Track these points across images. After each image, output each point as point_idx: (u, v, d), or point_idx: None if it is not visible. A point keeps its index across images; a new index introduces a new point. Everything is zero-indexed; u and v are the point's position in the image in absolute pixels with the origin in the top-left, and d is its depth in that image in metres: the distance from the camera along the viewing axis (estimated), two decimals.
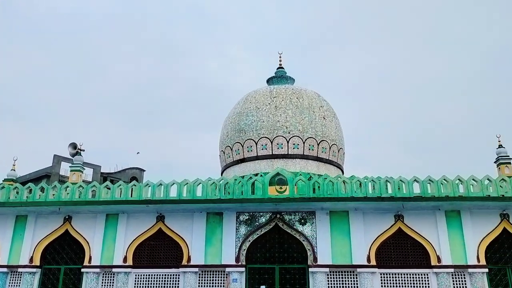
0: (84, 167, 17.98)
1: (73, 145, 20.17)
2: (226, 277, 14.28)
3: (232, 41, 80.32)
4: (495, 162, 16.41)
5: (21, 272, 15.12)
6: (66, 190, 15.33)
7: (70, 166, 17.51)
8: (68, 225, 15.42)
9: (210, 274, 14.55)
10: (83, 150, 17.92)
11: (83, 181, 16.74)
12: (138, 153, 38.72)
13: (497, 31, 67.91)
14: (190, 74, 77.86)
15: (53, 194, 15.30)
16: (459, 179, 14.16)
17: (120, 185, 15.19)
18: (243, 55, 79.33)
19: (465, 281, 13.91)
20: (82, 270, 14.95)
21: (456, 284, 13.92)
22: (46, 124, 73.17)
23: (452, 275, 13.96)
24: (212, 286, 14.44)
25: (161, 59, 79.42)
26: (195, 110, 77.23)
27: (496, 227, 14.21)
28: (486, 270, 13.86)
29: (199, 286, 14.44)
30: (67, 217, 15.47)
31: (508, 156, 16.10)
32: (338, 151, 20.10)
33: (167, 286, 14.64)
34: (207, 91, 76.99)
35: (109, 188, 15.19)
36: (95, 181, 16.02)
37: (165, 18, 79.28)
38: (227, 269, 14.30)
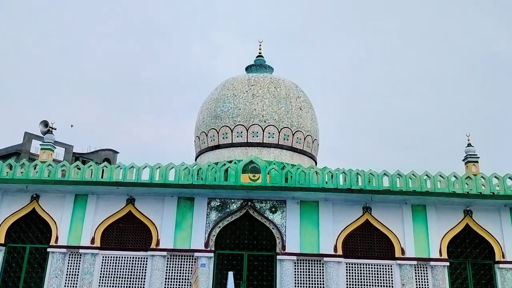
0: (55, 146, 17.61)
1: (45, 123, 19.64)
2: (195, 262, 14.33)
3: (215, 26, 79.55)
4: (463, 160, 16.89)
5: None
6: (35, 169, 15.00)
7: (40, 144, 17.14)
8: (35, 203, 15.13)
9: (179, 259, 14.57)
10: (55, 129, 17.54)
11: (54, 160, 16.45)
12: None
13: (475, 31, 69.35)
14: (172, 57, 76.87)
15: (21, 172, 14.96)
16: (426, 175, 14.51)
17: (90, 165, 14.96)
18: (226, 41, 78.71)
19: (426, 273, 14.36)
20: (48, 249, 14.73)
21: (418, 276, 14.36)
22: (18, 100, 71.12)
23: (415, 267, 14.39)
24: (180, 270, 14.47)
25: (143, 41, 78.07)
26: (175, 94, 76.45)
27: (459, 223, 14.68)
28: (447, 263, 14.33)
29: (167, 269, 14.45)
30: (34, 195, 15.17)
31: (476, 155, 16.60)
32: (313, 142, 20.28)
33: (134, 269, 14.59)
34: (189, 75, 76.26)
35: (79, 168, 14.93)
36: (66, 161, 15.71)
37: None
38: (196, 254, 14.36)
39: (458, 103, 69.48)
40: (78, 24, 74.13)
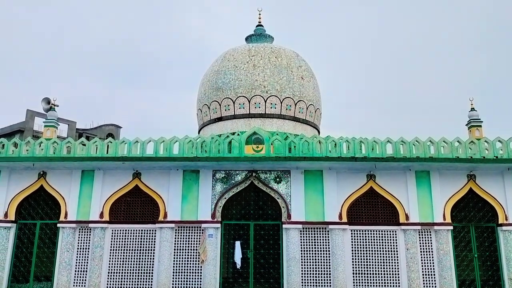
0: (59, 123, 17.62)
1: (47, 100, 19.62)
2: (202, 233, 14.57)
3: None
4: (466, 125, 16.83)
5: None
6: (40, 146, 15.06)
7: (43, 122, 17.13)
8: (43, 180, 15.27)
9: (186, 230, 14.80)
10: (57, 106, 17.49)
11: (57, 137, 16.47)
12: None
13: None
14: (172, 30, 75.73)
15: (27, 150, 15.03)
16: (430, 141, 14.49)
17: (95, 141, 15.01)
18: (224, 10, 77.27)
19: (430, 237, 14.57)
20: (58, 225, 14.98)
21: (422, 240, 14.58)
22: (19, 78, 70.70)
23: (419, 232, 14.59)
24: (188, 241, 14.73)
25: (142, 16, 76.71)
26: (176, 67, 75.74)
27: (462, 187, 14.77)
28: (451, 227, 14.52)
29: (175, 241, 14.71)
30: (41, 172, 15.30)
31: (479, 119, 16.50)
32: (315, 112, 20.22)
33: (144, 241, 14.86)
34: (189, 48, 75.35)
35: (84, 145, 14.99)
36: (70, 137, 15.75)
37: None
38: (203, 225, 14.57)
39: (461, 67, 68.71)
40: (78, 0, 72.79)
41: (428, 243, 14.56)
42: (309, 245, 14.55)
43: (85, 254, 14.87)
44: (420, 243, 14.54)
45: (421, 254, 14.45)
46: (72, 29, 73.24)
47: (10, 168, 15.33)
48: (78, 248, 14.93)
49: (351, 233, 14.64)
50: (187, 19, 76.80)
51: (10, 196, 15.23)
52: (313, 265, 14.40)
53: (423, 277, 14.29)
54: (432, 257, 14.42)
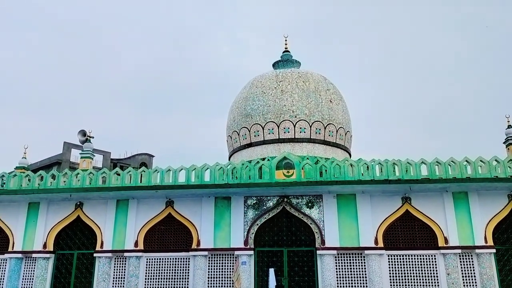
0: (94, 154, 18.16)
1: (83, 132, 20.29)
2: (235, 260, 14.46)
3: (241, 26, 79.65)
4: (504, 143, 16.29)
5: (35, 257, 15.45)
6: (76, 177, 15.50)
7: (80, 153, 17.72)
8: (79, 211, 15.65)
9: (220, 258, 14.74)
10: (93, 137, 18.08)
11: (93, 168, 16.96)
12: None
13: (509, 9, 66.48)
14: (202, 59, 77.61)
15: (64, 181, 15.50)
16: (466, 161, 14.08)
17: (129, 171, 15.34)
18: (252, 39, 78.75)
19: (472, 261, 13.94)
20: (95, 255, 15.23)
21: (464, 264, 13.97)
22: (56, 112, 73.73)
23: (460, 256, 14.00)
24: (222, 269, 14.64)
25: (172, 46, 79.16)
26: (206, 95, 77.18)
27: (503, 208, 14.17)
28: (494, 250, 13.87)
29: (209, 269, 14.65)
30: (78, 203, 15.70)
31: None
32: (345, 134, 20.05)
33: (178, 269, 14.88)
34: (219, 76, 76.77)
35: (118, 174, 15.35)
36: (105, 168, 16.18)
37: (177, 4, 78.72)
38: (236, 252, 14.48)
39: (497, 84, 66.93)
40: (109, 33, 76.05)
41: (470, 267, 13.93)
42: (345, 271, 14.18)
43: (121, 283, 14.99)
44: (461, 267, 13.92)
45: (463, 279, 13.82)
46: (104, 60, 76.29)
47: (49, 199, 15.81)
48: (114, 278, 15.07)
49: (388, 258, 14.20)
50: (217, 49, 78.75)
51: (48, 227, 15.65)
52: None
53: None
54: (475, 283, 13.76)
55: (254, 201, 14.93)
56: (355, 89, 62.76)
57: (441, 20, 71.44)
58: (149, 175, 14.98)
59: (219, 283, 14.51)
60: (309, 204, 14.70)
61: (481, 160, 14.11)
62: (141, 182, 15.00)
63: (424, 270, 14.00)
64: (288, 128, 18.96)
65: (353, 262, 14.23)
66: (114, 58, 77.19)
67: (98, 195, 15.28)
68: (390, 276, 14.03)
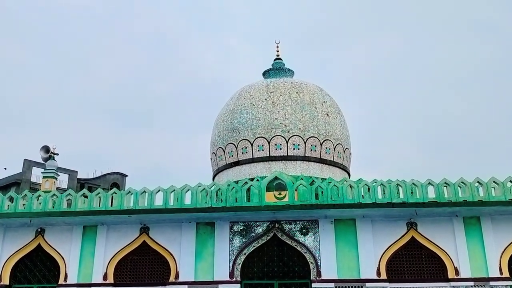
0: (58, 173, 18.08)
1: (46, 148, 20.15)
2: None
3: (229, 30, 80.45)
4: None
5: None
6: (38, 200, 15.33)
7: (42, 172, 17.61)
8: (40, 238, 15.43)
9: None
10: (57, 154, 18.02)
11: (57, 189, 16.80)
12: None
13: None
14: (184, 67, 77.97)
15: (23, 204, 15.31)
16: (478, 182, 14.26)
17: (98, 193, 15.23)
18: (241, 45, 79.48)
19: None
20: None
21: None
22: (15, 125, 73.10)
23: None
24: None
25: (152, 52, 79.45)
26: (189, 107, 77.39)
27: None
28: (510, 283, 13.97)
29: None
30: (39, 229, 15.49)
31: None
32: (344, 152, 20.21)
33: None
34: (203, 86, 77.22)
35: (86, 197, 15.22)
36: (71, 189, 16.06)
37: (156, 7, 79.24)
38: (220, 286, 14.36)
39: (507, 100, 68.08)
40: (80, 39, 76.07)
41: None
42: None
43: None
44: None
45: None
46: (75, 70, 76.18)
47: (5, 225, 15.57)
48: None
49: None
50: (200, 53, 79.19)
51: (4, 257, 15.38)
52: None
53: None
54: None
55: (241, 227, 14.90)
56: (354, 102, 63.50)
57: (451, 25, 72.91)
58: (121, 198, 14.88)
59: None
60: (304, 231, 14.71)
61: (494, 181, 14.29)
62: (111, 205, 14.88)
63: None
64: (280, 144, 19.06)
65: None
66: (84, 65, 77.12)
67: (62, 221, 15.11)
68: None
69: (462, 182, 14.29)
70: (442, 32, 72.74)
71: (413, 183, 14.34)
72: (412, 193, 14.22)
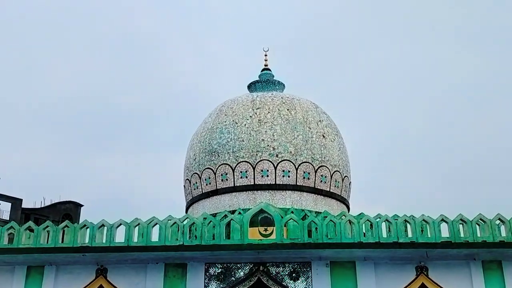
0: None
1: None
2: None
3: (210, 34, 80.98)
4: None
5: None
6: None
7: None
8: None
9: None
10: None
11: None
12: None
13: None
14: (156, 77, 78.02)
15: None
16: (500, 219, 14.44)
17: (47, 226, 15.10)
18: (223, 51, 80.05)
19: None
20: None
21: None
22: None
23: None
24: None
25: (117, 58, 79.33)
26: (159, 124, 77.05)
27: None
28: None
29: None
30: None
31: None
32: (342, 180, 20.32)
33: None
34: (176, 98, 77.21)
35: (32, 231, 15.07)
36: (14, 221, 15.89)
37: (124, 4, 79.56)
38: None
39: None
40: (26, 42, 75.78)
41: None
42: None
43: None
44: None
45: None
46: (18, 80, 75.56)
47: None
48: None
49: None
50: (175, 60, 79.41)
51: None
52: None
53: None
54: None
55: (219, 270, 14.84)
56: (356, 122, 63.96)
57: (469, 36, 74.20)
58: (74, 233, 14.75)
59: None
60: (294, 275, 14.70)
61: None
62: (62, 241, 14.74)
63: None
64: (267, 170, 19.10)
65: None
66: (31, 75, 76.54)
67: (1, 260, 14.89)
68: None
69: (481, 219, 14.43)
70: (459, 43, 74.18)
71: (423, 220, 14.45)
72: (422, 231, 14.31)
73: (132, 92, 77.68)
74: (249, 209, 16.18)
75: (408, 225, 14.45)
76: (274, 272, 14.77)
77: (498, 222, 14.44)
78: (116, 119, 76.39)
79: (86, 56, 78.11)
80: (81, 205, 44.86)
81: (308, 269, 14.74)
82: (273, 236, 14.49)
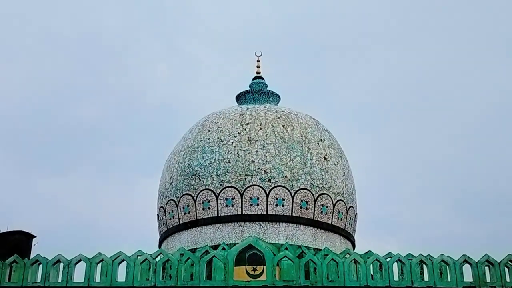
0: None
1: None
2: None
3: (190, 35, 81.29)
4: None
5: None
6: None
7: None
8: None
9: None
10: None
11: None
12: None
13: None
14: (125, 85, 77.82)
15: None
16: None
17: None
18: (207, 54, 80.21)
19: None
20: None
21: None
22: None
23: None
24: None
25: (77, 63, 79.10)
26: (128, 141, 76.80)
27: None
28: None
29: None
30: None
31: None
32: (347, 212, 20.29)
33: None
34: (150, 110, 77.00)
35: None
36: None
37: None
38: None
39: None
40: None
41: None
42: None
43: None
44: None
45: None
46: None
47: None
48: None
49: None
50: (148, 64, 79.40)
51: None
52: None
53: None
54: None
55: None
56: (363, 142, 63.99)
57: (492, 42, 75.06)
58: (24, 269, 14.82)
59: None
60: None
61: None
62: (9, 280, 14.74)
63: None
64: (257, 198, 19.04)
65: None
66: None
67: None
68: None
69: (510, 261, 14.48)
70: (479, 54, 74.98)
71: (442, 261, 14.48)
72: (441, 274, 14.35)
73: (94, 103, 77.36)
74: (235, 244, 16.15)
75: (425, 267, 14.50)
76: None
77: None
78: (75, 135, 75.71)
79: (39, 60, 78.01)
80: (33, 236, 44.32)
81: None
82: (263, 277, 14.53)
